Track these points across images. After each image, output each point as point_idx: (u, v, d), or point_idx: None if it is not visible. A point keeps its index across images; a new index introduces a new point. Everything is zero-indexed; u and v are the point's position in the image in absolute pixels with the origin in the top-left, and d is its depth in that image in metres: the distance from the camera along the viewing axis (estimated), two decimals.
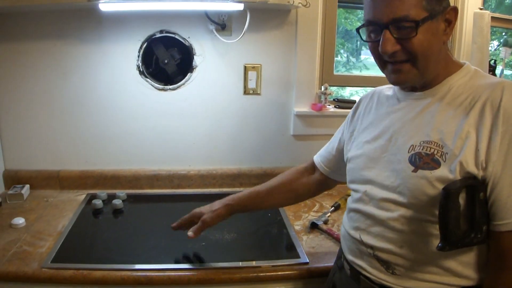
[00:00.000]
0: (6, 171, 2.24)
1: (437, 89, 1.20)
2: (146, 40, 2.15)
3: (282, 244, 1.82)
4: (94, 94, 2.18)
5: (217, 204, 1.63)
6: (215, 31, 2.13)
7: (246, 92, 2.26)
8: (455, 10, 1.14)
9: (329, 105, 2.34)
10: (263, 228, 1.94)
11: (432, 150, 1.14)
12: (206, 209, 1.62)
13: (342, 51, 4.57)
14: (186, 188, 2.31)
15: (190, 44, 2.17)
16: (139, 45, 2.15)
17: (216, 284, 1.58)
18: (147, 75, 2.19)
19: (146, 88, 2.20)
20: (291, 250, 1.74)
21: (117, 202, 2.04)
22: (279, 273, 1.60)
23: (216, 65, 2.21)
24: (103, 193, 2.15)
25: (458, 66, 1.20)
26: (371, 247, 1.27)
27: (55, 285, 1.55)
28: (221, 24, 2.12)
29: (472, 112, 1.09)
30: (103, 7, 1.87)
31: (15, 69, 2.13)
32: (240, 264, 1.63)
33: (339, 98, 2.40)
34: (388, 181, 1.23)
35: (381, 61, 1.20)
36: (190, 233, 1.57)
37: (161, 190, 2.30)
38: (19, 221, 1.86)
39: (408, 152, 1.18)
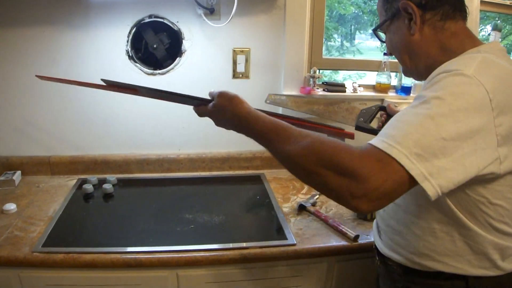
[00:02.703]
0: None
1: (428, 79, 1.17)
2: (135, 25, 2.15)
3: (270, 226, 1.84)
4: (83, 79, 2.16)
5: None
6: (203, 16, 2.13)
7: (235, 76, 2.26)
8: (407, 5, 1.15)
9: (318, 89, 2.34)
10: (252, 210, 1.96)
11: None
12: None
13: (336, 35, 4.57)
14: (176, 172, 2.32)
15: (179, 29, 2.17)
16: (128, 30, 2.15)
17: (204, 265, 1.61)
18: (136, 60, 2.19)
19: (135, 73, 2.20)
20: (279, 231, 1.76)
21: (107, 186, 2.06)
22: (267, 254, 1.62)
23: (205, 49, 2.21)
24: (93, 178, 2.17)
25: (459, 53, 1.16)
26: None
27: (46, 268, 1.58)
28: (210, 8, 2.12)
29: None
30: None
31: (4, 55, 2.12)
32: (231, 245, 1.65)
33: (327, 81, 2.40)
34: None
35: None
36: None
37: (151, 174, 2.31)
38: (11, 207, 1.88)
39: None
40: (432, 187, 0.90)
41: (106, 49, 2.16)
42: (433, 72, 1.08)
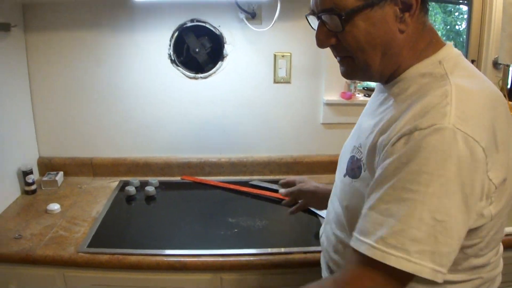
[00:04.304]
0: (40, 158, 2.29)
1: (395, 82, 1.01)
2: (177, 29, 2.16)
3: (312, 231, 1.82)
4: (126, 82, 2.21)
5: (322, 184, 1.57)
6: (245, 20, 2.13)
7: (276, 80, 2.26)
8: None
9: (358, 94, 2.32)
10: (294, 215, 1.95)
11: (361, 155, 1.03)
12: (310, 181, 1.59)
13: None
14: (217, 175, 2.33)
15: (221, 33, 2.18)
16: (170, 34, 2.17)
17: (248, 269, 1.60)
18: (178, 64, 2.21)
19: (177, 77, 2.21)
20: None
21: (150, 189, 2.07)
22: (310, 259, 1.60)
23: (246, 54, 2.21)
24: (135, 180, 2.18)
25: (429, 54, 0.98)
26: (323, 244, 1.28)
27: (91, 269, 1.59)
28: (251, 12, 2.12)
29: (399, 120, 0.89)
30: None
31: (49, 58, 2.17)
32: (276, 250, 1.64)
33: (368, 86, 2.39)
34: (337, 179, 1.19)
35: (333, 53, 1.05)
36: (282, 190, 1.63)
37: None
38: (54, 207, 1.91)
39: (350, 153, 1.10)
40: (441, 275, 0.81)
41: (149, 52, 2.18)
42: (398, 124, 0.88)
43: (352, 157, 1.07)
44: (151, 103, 2.25)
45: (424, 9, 0.97)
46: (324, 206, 1.46)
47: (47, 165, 2.28)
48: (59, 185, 2.18)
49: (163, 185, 2.20)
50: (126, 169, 2.30)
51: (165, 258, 1.58)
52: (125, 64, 2.19)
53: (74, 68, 2.18)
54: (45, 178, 2.16)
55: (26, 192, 2.08)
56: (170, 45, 2.18)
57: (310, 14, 1.02)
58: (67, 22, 2.13)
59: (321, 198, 1.47)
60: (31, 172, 2.07)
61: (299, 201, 1.62)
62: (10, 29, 1.98)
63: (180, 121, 2.29)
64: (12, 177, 2.05)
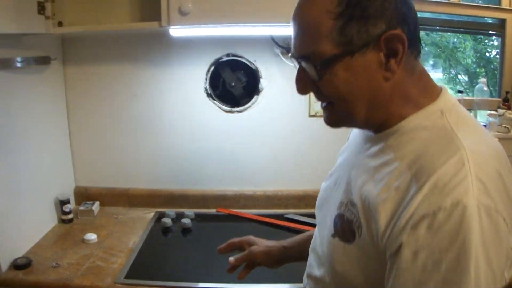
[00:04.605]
0: (77, 188, 2.33)
1: (391, 133, 0.89)
2: (213, 63, 2.21)
3: None
4: (163, 115, 2.25)
5: (273, 242, 1.43)
6: (280, 55, 2.16)
7: (311, 114, 2.27)
8: (398, 37, 0.81)
9: None
10: None
11: (353, 217, 0.90)
12: (260, 241, 1.43)
13: None
14: (252, 208, 2.32)
15: (256, 67, 2.21)
16: (206, 68, 2.21)
17: None
18: (214, 98, 2.24)
19: (213, 110, 2.25)
20: None
21: (186, 221, 2.08)
22: None
23: (281, 88, 2.23)
24: (171, 211, 2.19)
25: (426, 102, 0.88)
26: None
27: None
28: (286, 47, 2.15)
29: (416, 195, 0.76)
30: (174, 32, 1.93)
31: (87, 90, 2.23)
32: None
33: None
34: (321, 233, 1.06)
35: None
36: (231, 258, 1.40)
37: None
38: (91, 237, 1.93)
39: (337, 209, 0.96)
40: None
41: (186, 86, 2.23)
42: (413, 199, 0.76)
43: (340, 216, 0.95)
44: (187, 135, 2.28)
45: (415, 53, 0.87)
46: (278, 265, 1.41)
47: (83, 195, 2.31)
48: (95, 214, 2.21)
49: (198, 217, 2.21)
50: (162, 200, 2.32)
51: None
52: (161, 97, 2.24)
53: (111, 100, 2.24)
54: (81, 208, 2.19)
55: (63, 221, 2.11)
56: (206, 79, 2.22)
57: (291, 56, 0.93)
58: (105, 55, 2.19)
59: (275, 258, 1.38)
60: (68, 202, 2.10)
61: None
62: (50, 62, 2.04)
63: (216, 153, 2.31)
64: (49, 205, 2.09)
